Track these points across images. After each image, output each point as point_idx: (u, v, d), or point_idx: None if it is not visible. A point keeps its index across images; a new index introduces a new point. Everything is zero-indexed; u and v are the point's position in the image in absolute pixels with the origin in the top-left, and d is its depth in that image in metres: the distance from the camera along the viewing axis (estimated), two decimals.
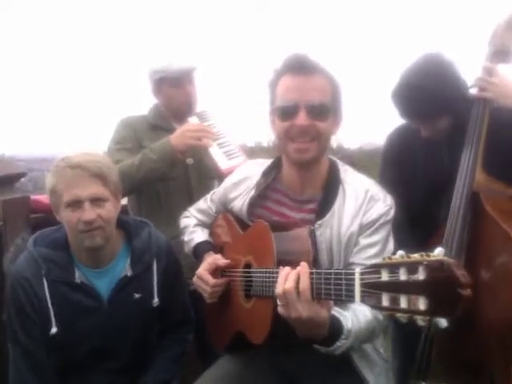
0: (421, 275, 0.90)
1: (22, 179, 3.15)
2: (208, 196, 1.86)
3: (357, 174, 1.57)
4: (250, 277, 1.48)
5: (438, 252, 0.91)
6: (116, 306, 1.63)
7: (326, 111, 1.44)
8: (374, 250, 1.45)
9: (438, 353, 1.68)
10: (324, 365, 1.48)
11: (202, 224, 1.84)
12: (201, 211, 1.86)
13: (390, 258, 0.98)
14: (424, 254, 0.92)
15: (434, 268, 0.89)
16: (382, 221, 1.46)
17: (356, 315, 1.34)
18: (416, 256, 0.93)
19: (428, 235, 1.78)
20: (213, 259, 1.63)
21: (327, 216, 1.46)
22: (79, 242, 1.58)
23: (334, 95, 1.48)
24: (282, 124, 1.46)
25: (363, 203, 1.47)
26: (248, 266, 1.54)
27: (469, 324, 1.63)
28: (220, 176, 2.15)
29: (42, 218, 2.39)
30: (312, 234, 1.44)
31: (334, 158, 1.60)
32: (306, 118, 1.42)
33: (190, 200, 2.00)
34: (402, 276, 0.93)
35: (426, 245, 1.77)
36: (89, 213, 1.53)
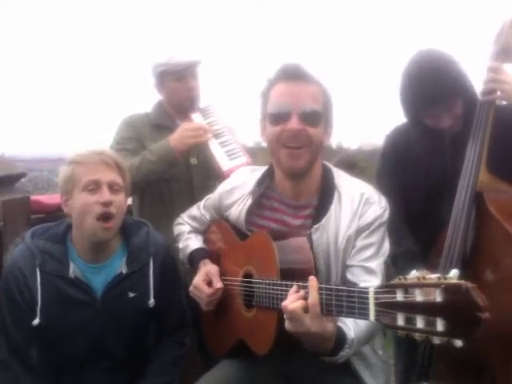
0: (438, 297, 0.92)
1: (22, 179, 3.15)
2: (201, 203, 1.84)
3: (350, 178, 1.59)
4: (252, 287, 1.48)
5: (454, 274, 0.93)
6: (109, 303, 1.63)
7: (318, 118, 1.46)
8: (370, 252, 1.47)
9: (439, 353, 1.67)
10: (323, 367, 1.48)
11: (195, 231, 1.84)
12: (194, 218, 1.85)
13: (405, 279, 1.00)
14: (440, 276, 0.93)
15: (452, 291, 0.91)
16: (377, 223, 1.48)
17: (356, 322, 1.35)
18: (432, 277, 0.95)
19: (431, 237, 1.78)
20: (210, 273, 1.62)
21: (323, 220, 1.47)
22: (91, 230, 1.58)
23: (326, 104, 1.50)
24: (273, 129, 1.47)
25: (359, 206, 1.49)
26: (248, 275, 1.53)
27: None
28: (222, 176, 2.13)
29: (42, 219, 2.39)
30: (308, 239, 1.45)
31: (328, 164, 1.62)
32: (298, 122, 1.43)
33: (193, 201, 1.99)
34: (418, 297, 0.95)
35: (430, 246, 1.78)
36: (107, 194, 1.56)
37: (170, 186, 2.20)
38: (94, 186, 1.56)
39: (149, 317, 1.72)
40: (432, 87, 1.74)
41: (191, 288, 1.63)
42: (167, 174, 2.14)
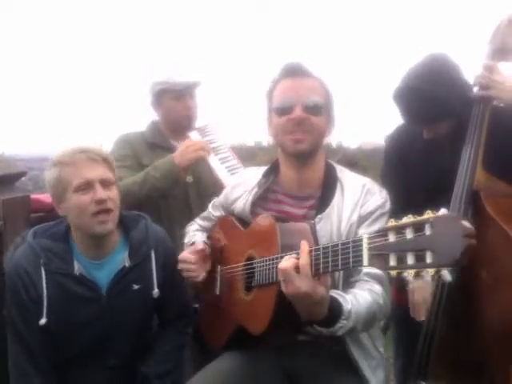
0: (427, 231, 0.95)
1: (22, 178, 3.16)
2: (210, 204, 1.92)
3: (352, 173, 1.65)
4: (253, 268, 1.51)
5: (443, 211, 0.97)
6: (115, 298, 1.64)
7: (319, 109, 1.56)
8: None
9: (437, 353, 1.68)
10: (324, 363, 1.53)
11: (203, 229, 1.91)
12: (203, 218, 1.94)
13: (396, 221, 1.03)
14: (430, 212, 0.97)
15: (441, 222, 0.94)
16: (378, 213, 1.54)
17: (356, 298, 1.39)
18: (422, 217, 0.98)
19: None
20: (195, 245, 1.71)
21: (327, 210, 1.53)
22: (89, 227, 1.58)
23: (326, 98, 1.60)
24: (279, 120, 1.58)
25: (360, 196, 1.55)
26: (250, 258, 1.56)
27: (468, 324, 1.63)
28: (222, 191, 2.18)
29: (42, 218, 2.39)
30: (313, 228, 1.48)
31: (330, 161, 1.67)
32: (301, 112, 1.53)
33: (190, 217, 2.03)
34: (409, 235, 0.99)
35: None
36: (101, 192, 1.56)
37: (167, 202, 2.23)
38: (86, 186, 1.56)
39: (154, 308, 1.74)
40: (417, 112, 1.78)
41: (179, 264, 1.70)
42: (167, 191, 2.17)
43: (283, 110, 1.56)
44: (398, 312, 1.94)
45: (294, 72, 1.58)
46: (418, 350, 1.71)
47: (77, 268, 1.63)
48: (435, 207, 1.74)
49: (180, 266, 1.70)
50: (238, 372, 1.56)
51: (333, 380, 1.52)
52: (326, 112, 1.59)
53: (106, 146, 2.17)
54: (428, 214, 0.97)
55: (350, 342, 1.49)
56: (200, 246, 1.70)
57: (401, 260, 1.00)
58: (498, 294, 1.56)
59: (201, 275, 1.67)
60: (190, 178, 2.28)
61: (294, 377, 1.58)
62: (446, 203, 1.72)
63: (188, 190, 2.28)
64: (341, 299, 1.35)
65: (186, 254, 1.70)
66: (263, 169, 1.73)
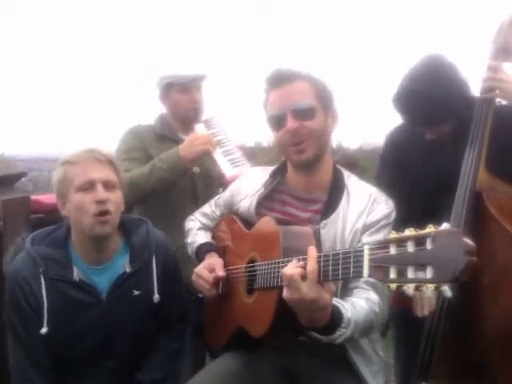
0: (428, 245, 0.95)
1: (22, 179, 3.16)
2: (212, 201, 1.91)
3: (359, 180, 1.65)
4: (255, 271, 1.50)
5: (445, 226, 0.97)
6: (115, 303, 1.64)
7: (311, 111, 1.53)
8: None
9: (439, 354, 1.67)
10: (324, 365, 1.52)
11: (205, 227, 1.89)
12: (205, 215, 1.91)
13: (398, 233, 1.03)
14: (432, 226, 0.97)
15: (442, 237, 0.93)
16: (383, 222, 1.52)
17: (354, 307, 1.38)
18: (424, 230, 0.98)
19: None
20: (213, 263, 1.66)
21: (332, 216, 1.52)
22: (88, 228, 1.58)
23: (320, 95, 1.56)
24: (276, 134, 1.58)
25: (367, 205, 1.54)
26: (252, 261, 1.56)
27: (470, 324, 1.63)
28: (225, 183, 2.18)
29: (42, 218, 2.39)
30: (316, 233, 1.48)
31: (338, 166, 1.67)
32: (293, 121, 1.52)
33: (197, 208, 2.02)
34: (410, 248, 0.98)
35: None
36: (102, 193, 1.56)
37: (173, 194, 2.22)
38: (88, 186, 1.56)
39: (154, 314, 1.73)
40: (418, 115, 1.78)
41: (193, 276, 1.67)
42: (173, 183, 2.17)
43: (277, 123, 1.56)
44: (397, 313, 1.94)
45: (278, 81, 1.56)
46: (420, 351, 1.70)
47: (76, 273, 1.62)
48: (435, 208, 1.75)
49: (194, 278, 1.67)
50: (237, 372, 1.55)
51: (333, 381, 1.52)
52: (322, 110, 1.56)
53: (107, 146, 2.17)
54: (430, 228, 0.96)
55: (350, 348, 1.49)
56: (221, 272, 1.63)
57: (401, 273, 1.00)
58: (500, 295, 1.56)
59: (212, 292, 1.65)
60: (197, 169, 2.28)
61: (293, 377, 1.57)
62: (444, 202, 1.72)
63: (195, 180, 2.29)
64: (340, 307, 1.35)
65: (204, 272, 1.64)
66: (270, 169, 1.72)
